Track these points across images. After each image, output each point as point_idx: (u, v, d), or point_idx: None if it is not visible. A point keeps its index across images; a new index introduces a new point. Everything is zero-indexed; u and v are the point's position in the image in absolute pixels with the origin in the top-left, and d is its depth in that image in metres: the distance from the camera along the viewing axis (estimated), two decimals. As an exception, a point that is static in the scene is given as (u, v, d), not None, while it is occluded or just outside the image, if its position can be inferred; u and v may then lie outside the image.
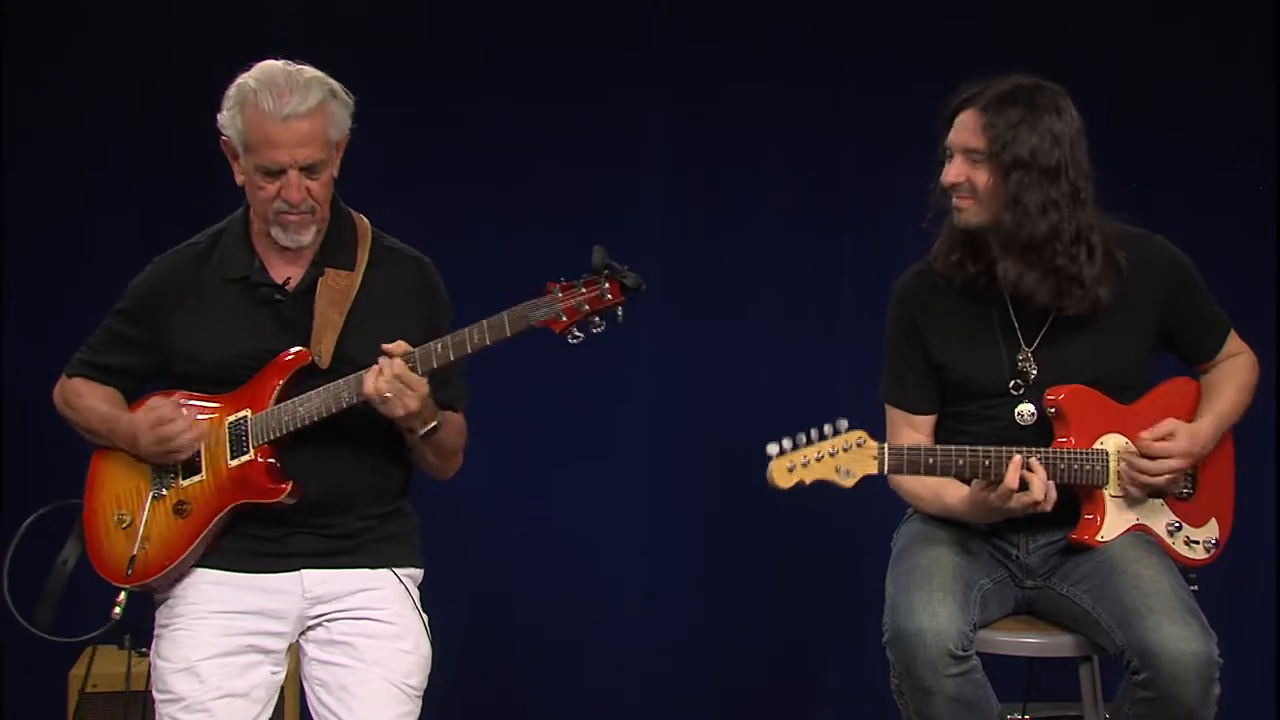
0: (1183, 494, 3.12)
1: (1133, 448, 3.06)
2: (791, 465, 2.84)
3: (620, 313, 2.76)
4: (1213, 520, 3.15)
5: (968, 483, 3.02)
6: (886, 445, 2.92)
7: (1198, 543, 3.12)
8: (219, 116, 2.90)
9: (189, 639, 2.89)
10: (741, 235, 4.32)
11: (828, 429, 2.86)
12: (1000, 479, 2.93)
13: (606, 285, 2.73)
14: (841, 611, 4.20)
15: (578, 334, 2.76)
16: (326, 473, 2.91)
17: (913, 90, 4.14)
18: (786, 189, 4.32)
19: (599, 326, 2.76)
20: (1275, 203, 4.24)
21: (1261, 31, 4.24)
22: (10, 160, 4.11)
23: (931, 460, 2.94)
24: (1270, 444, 4.13)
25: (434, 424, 2.86)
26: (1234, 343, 3.20)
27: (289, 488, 2.87)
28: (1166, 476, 3.04)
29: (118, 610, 2.94)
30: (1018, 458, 2.93)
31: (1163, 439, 3.04)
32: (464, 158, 4.22)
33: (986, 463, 2.95)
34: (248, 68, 2.91)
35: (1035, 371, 3.08)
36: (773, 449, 2.83)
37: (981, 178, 3.01)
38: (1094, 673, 2.98)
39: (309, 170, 2.85)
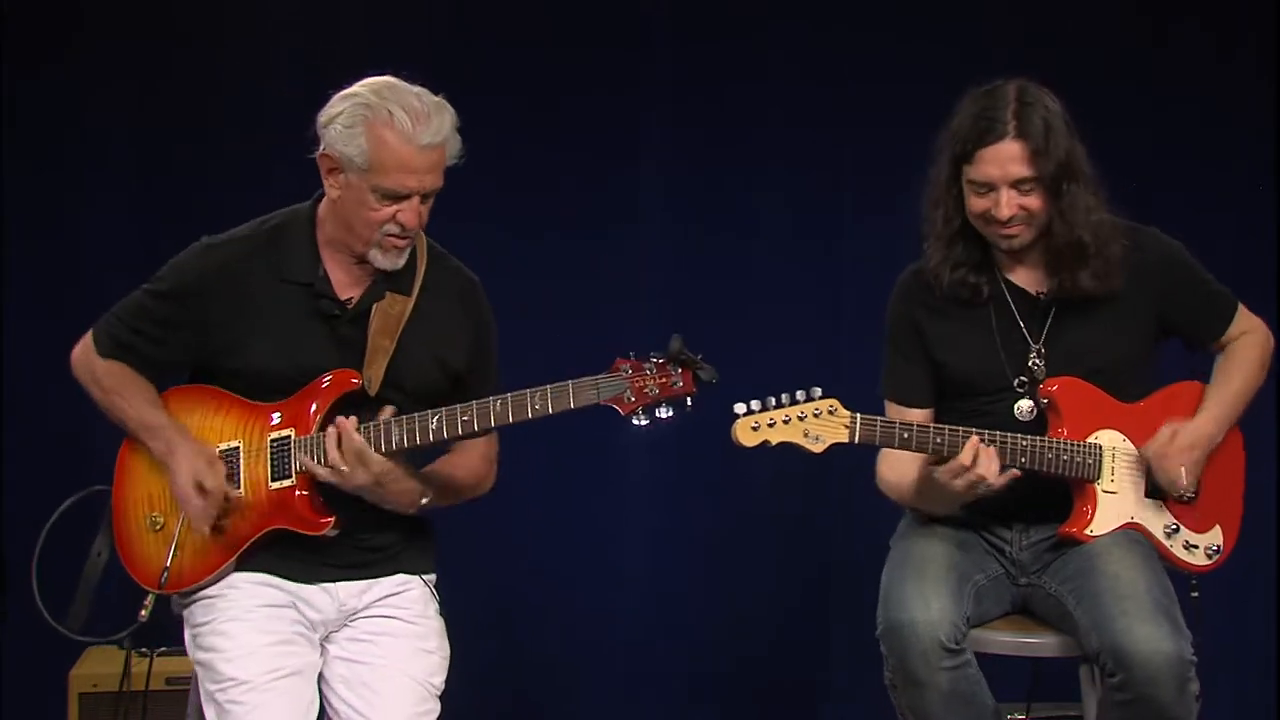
0: (1184, 496, 3.11)
1: (1128, 445, 3.07)
2: (756, 425, 2.84)
3: (689, 402, 2.73)
4: (1217, 527, 3.14)
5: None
6: (860, 415, 2.91)
7: (1198, 547, 3.11)
8: (329, 130, 2.79)
9: (239, 628, 2.85)
10: (741, 235, 4.31)
11: (800, 394, 2.86)
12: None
13: (679, 374, 2.72)
14: (845, 610, 4.20)
15: (643, 418, 2.73)
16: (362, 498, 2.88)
17: (913, 90, 4.16)
18: (786, 189, 4.32)
19: (667, 412, 2.73)
20: (1275, 203, 4.24)
21: (1261, 31, 4.24)
22: (10, 160, 4.11)
23: (907, 435, 2.94)
24: (1271, 445, 4.12)
25: (423, 501, 2.88)
26: (1243, 319, 3.19)
27: (332, 521, 2.84)
28: (1182, 472, 3.04)
29: (144, 612, 2.90)
30: (975, 438, 2.92)
31: (1169, 439, 3.05)
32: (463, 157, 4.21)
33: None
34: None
35: (1044, 366, 3.08)
36: (739, 408, 2.84)
37: (1035, 202, 3.01)
38: (1094, 673, 2.98)
39: (425, 197, 2.82)
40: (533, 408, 2.75)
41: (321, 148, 2.82)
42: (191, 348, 2.92)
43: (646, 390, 2.71)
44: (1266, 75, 4.23)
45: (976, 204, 3.04)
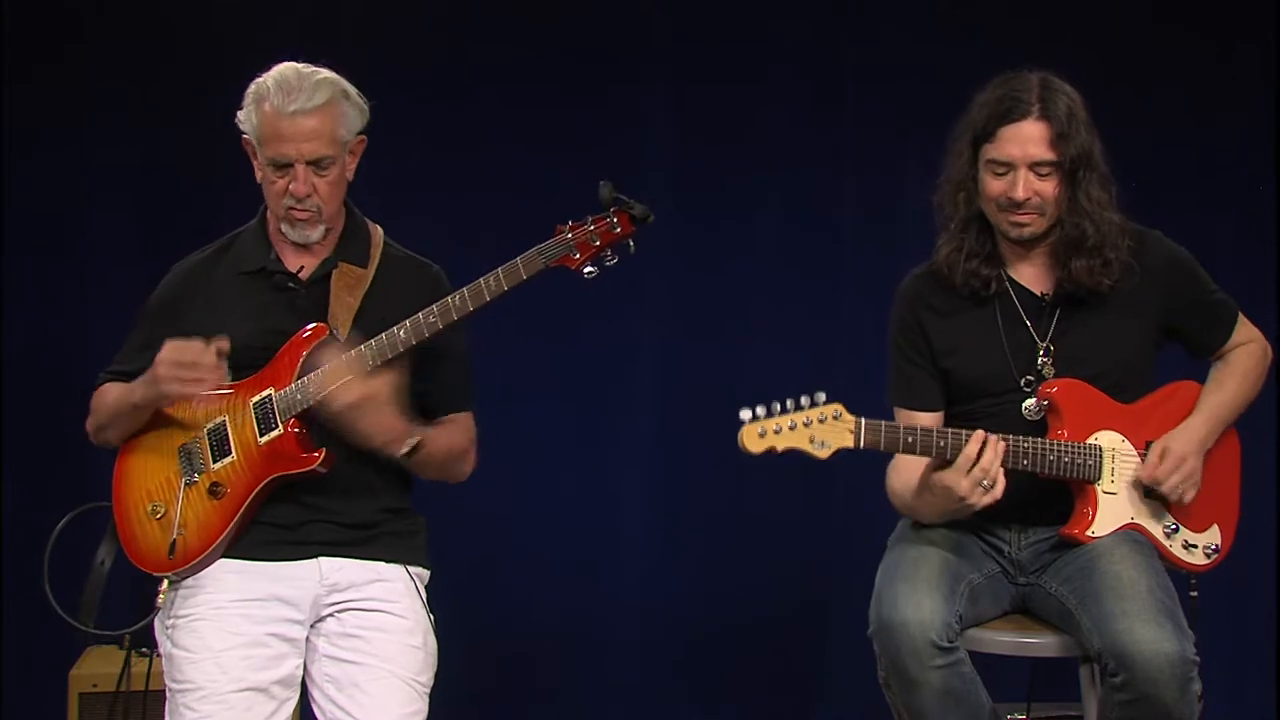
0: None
1: (1128, 446, 3.07)
2: (763, 431, 2.84)
3: (631, 244, 2.83)
4: (1214, 526, 3.14)
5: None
6: (864, 419, 2.91)
7: (1196, 547, 3.12)
8: (238, 115, 2.97)
9: (211, 629, 2.90)
10: (741, 235, 4.32)
11: (804, 400, 2.87)
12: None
13: (615, 219, 2.81)
14: (843, 610, 4.20)
15: (592, 269, 2.83)
16: (346, 452, 2.93)
17: (913, 90, 4.16)
18: (786, 189, 4.32)
19: (612, 260, 2.84)
20: (1275, 203, 4.25)
21: (1261, 31, 4.24)
22: (10, 160, 4.11)
23: (911, 439, 2.94)
24: (1271, 447, 4.12)
25: (414, 441, 2.89)
26: (1243, 330, 3.20)
27: (321, 455, 2.90)
28: (1182, 486, 3.05)
29: (160, 598, 2.95)
30: (979, 432, 2.92)
31: (1157, 462, 3.04)
32: (463, 160, 4.22)
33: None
34: (266, 69, 2.97)
35: (1051, 365, 3.08)
36: (745, 414, 2.84)
37: (1049, 189, 3.02)
38: (1094, 673, 2.98)
39: (316, 165, 2.93)
40: (489, 290, 2.84)
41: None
42: None
43: (589, 242, 2.82)
44: (1266, 75, 4.24)
45: (993, 186, 3.04)
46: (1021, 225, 3.04)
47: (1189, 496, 3.07)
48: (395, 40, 4.21)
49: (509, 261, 2.82)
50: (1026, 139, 3.00)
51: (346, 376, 2.84)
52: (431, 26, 4.25)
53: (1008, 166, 3.01)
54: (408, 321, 2.87)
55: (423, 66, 4.23)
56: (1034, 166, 3.00)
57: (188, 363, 2.88)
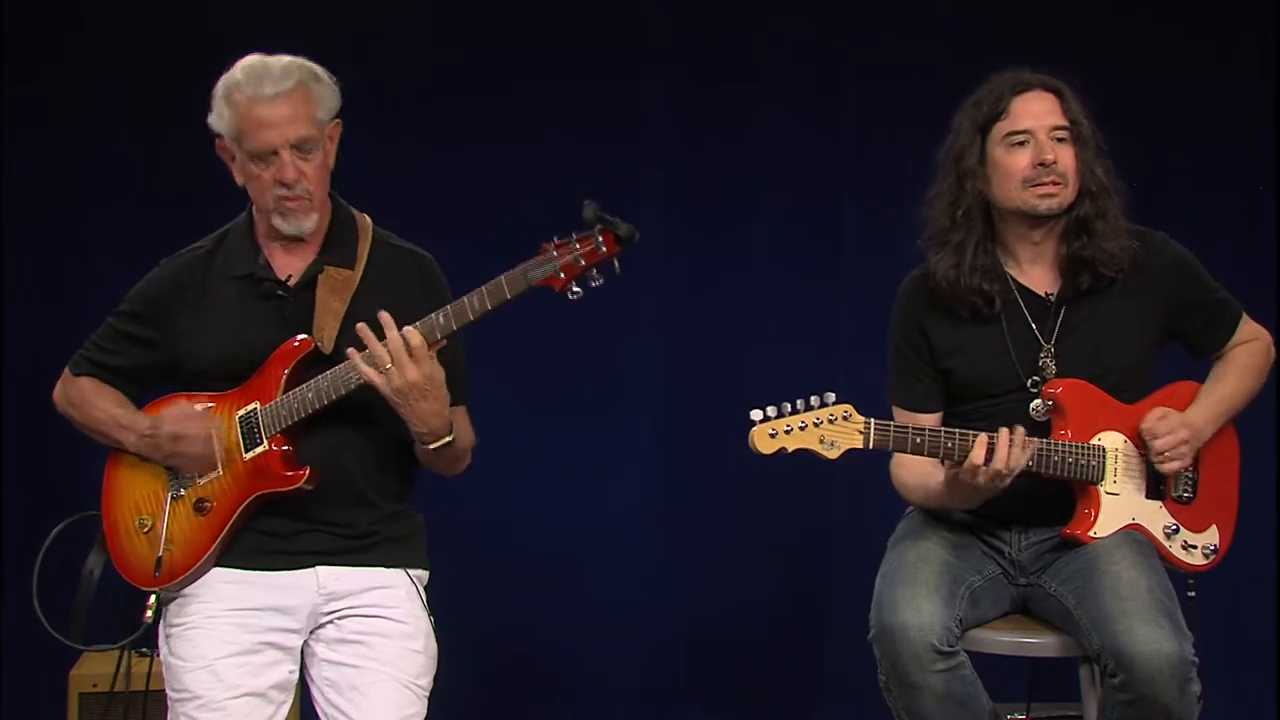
0: (1182, 497, 3.12)
1: (1131, 447, 3.07)
2: (774, 432, 2.85)
3: (617, 264, 2.76)
4: (1213, 527, 3.14)
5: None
6: (874, 420, 2.91)
7: (1196, 548, 3.12)
8: (209, 120, 2.91)
9: (205, 638, 2.89)
10: (741, 236, 4.32)
11: (814, 400, 2.88)
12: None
13: (600, 239, 2.74)
14: (842, 610, 4.20)
15: (577, 289, 2.75)
16: (339, 467, 2.92)
17: (913, 91, 4.16)
18: (786, 189, 4.32)
19: (597, 280, 2.76)
20: (1275, 203, 4.24)
21: (1261, 31, 4.24)
22: (10, 160, 4.12)
23: (919, 440, 2.94)
24: (1271, 447, 4.12)
25: (447, 439, 2.87)
26: (1246, 329, 3.21)
27: (305, 474, 2.87)
28: (1173, 452, 3.04)
29: (149, 614, 2.94)
30: (984, 436, 2.93)
31: (1158, 419, 3.05)
32: (462, 159, 4.22)
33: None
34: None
35: (1055, 366, 3.08)
36: (756, 414, 2.85)
37: (1068, 156, 3.05)
38: (1094, 673, 2.99)
39: (300, 149, 2.88)
40: (472, 309, 2.79)
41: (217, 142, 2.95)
42: (159, 359, 3.01)
43: (574, 262, 2.74)
44: (1266, 75, 4.24)
45: (1016, 161, 3.04)
46: (1051, 196, 3.04)
47: (1173, 466, 3.06)
48: (395, 40, 4.21)
49: (493, 279, 2.77)
50: (1040, 108, 3.04)
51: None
52: (431, 26, 4.25)
53: (1027, 135, 3.03)
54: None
55: (423, 66, 4.23)
56: (1052, 131, 3.03)
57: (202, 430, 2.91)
